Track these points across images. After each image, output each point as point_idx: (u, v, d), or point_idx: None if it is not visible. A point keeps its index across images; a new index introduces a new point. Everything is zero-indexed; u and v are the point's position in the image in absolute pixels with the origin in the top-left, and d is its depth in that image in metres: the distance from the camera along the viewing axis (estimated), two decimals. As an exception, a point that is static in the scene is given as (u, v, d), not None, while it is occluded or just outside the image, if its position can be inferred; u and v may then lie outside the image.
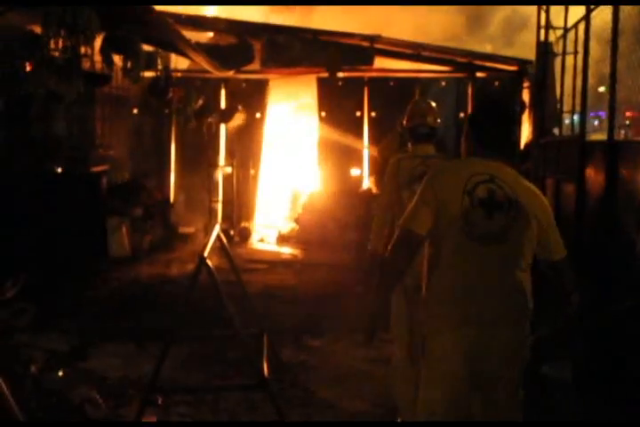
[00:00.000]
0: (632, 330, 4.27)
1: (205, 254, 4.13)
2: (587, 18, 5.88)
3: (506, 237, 2.66)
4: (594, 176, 5.68)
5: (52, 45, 5.52)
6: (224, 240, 4.99)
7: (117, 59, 6.03)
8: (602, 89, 7.03)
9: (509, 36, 16.40)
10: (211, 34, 9.68)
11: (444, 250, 2.69)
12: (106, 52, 5.64)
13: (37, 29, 5.85)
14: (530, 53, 12.90)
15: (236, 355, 5.08)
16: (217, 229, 4.78)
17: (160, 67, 6.20)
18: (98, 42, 5.76)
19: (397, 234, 2.77)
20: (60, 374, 4.64)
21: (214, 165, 9.97)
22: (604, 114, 7.39)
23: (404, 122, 4.22)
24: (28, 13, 5.84)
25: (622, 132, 7.91)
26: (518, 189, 2.72)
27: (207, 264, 4.12)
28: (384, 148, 7.66)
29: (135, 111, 9.68)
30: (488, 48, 15.81)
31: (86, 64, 6.17)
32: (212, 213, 9.61)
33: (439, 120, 4.16)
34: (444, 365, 2.71)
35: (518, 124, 8.76)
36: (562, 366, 4.76)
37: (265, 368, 4.46)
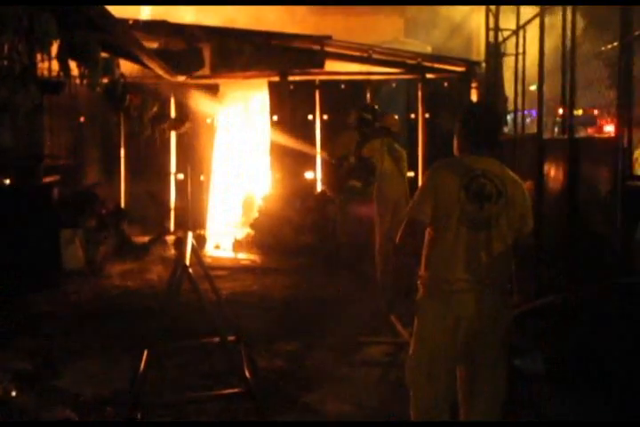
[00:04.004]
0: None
1: (187, 263, 4.08)
2: (541, 19, 6.06)
3: (494, 223, 3.08)
4: (554, 173, 5.86)
5: (6, 52, 5.30)
6: (196, 248, 4.90)
7: (73, 65, 5.84)
8: (532, 88, 7.30)
9: (445, 39, 16.73)
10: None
11: (442, 235, 3.11)
12: (63, 58, 5.45)
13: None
14: (466, 54, 13.23)
15: (212, 364, 5.02)
16: (190, 237, 4.70)
17: (117, 73, 6.05)
18: (54, 48, 5.57)
19: (405, 223, 3.21)
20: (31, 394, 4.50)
21: (166, 172, 9.80)
22: (534, 112, 7.68)
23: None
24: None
25: (556, 129, 8.24)
26: (505, 181, 3.12)
27: (189, 273, 4.07)
28: (340, 147, 7.71)
29: (82, 120, 9.42)
30: (428, 49, 16.07)
31: (40, 71, 6.00)
32: (181, 221, 9.46)
33: None
34: (434, 323, 3.12)
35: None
36: (533, 359, 4.90)
37: (246, 377, 4.43)
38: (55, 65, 5.93)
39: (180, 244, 8.75)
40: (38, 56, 5.68)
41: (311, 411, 4.38)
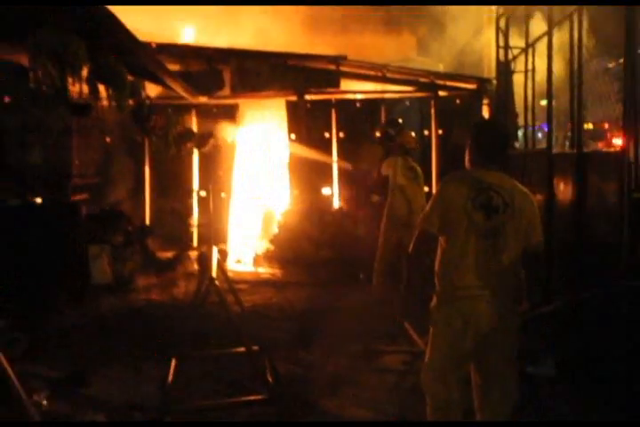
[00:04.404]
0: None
1: (214, 275, 4.32)
2: (549, 37, 6.27)
3: (501, 233, 3.25)
4: (563, 186, 6.05)
5: (39, 76, 5.59)
6: (221, 262, 5.15)
7: (101, 88, 6.15)
8: (543, 102, 7.49)
9: (457, 56, 16.91)
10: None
11: (452, 244, 3.31)
12: (92, 81, 5.76)
13: (22, 59, 5.94)
14: (477, 70, 13.42)
15: (234, 373, 5.19)
16: (215, 252, 4.94)
17: (143, 95, 6.36)
18: (84, 72, 5.86)
19: (417, 233, 3.45)
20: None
21: (189, 189, 10.12)
22: (545, 127, 7.84)
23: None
24: (12, 44, 5.93)
25: (567, 143, 8.41)
26: (513, 193, 3.31)
27: (215, 285, 4.31)
28: (364, 161, 7.92)
29: (108, 140, 9.77)
30: (440, 67, 16.28)
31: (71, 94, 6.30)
32: (203, 237, 9.74)
33: None
34: (447, 329, 3.31)
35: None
36: (545, 364, 5.05)
37: (270, 384, 4.64)
38: (84, 88, 6.23)
39: (203, 259, 9.04)
40: (69, 79, 5.98)
41: (330, 417, 4.52)
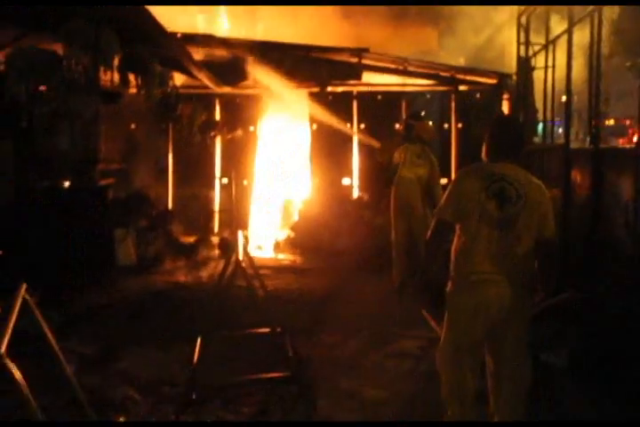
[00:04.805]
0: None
1: (241, 258, 4.53)
2: (569, 34, 6.40)
3: (514, 223, 3.37)
4: (580, 180, 6.20)
5: (73, 65, 5.80)
6: (247, 248, 5.34)
7: (131, 77, 6.35)
8: (564, 98, 7.61)
9: (478, 50, 16.96)
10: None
11: (467, 233, 3.45)
12: (123, 71, 5.96)
13: (57, 48, 6.14)
14: (499, 63, 13.50)
15: (258, 353, 5.35)
16: (241, 236, 5.13)
17: (171, 85, 6.56)
18: (115, 61, 6.06)
19: (433, 222, 3.62)
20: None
21: (212, 176, 10.36)
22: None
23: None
24: (47, 33, 6.13)
25: (587, 138, 8.51)
26: (526, 185, 3.43)
27: (243, 269, 4.52)
28: (384, 152, 8.08)
29: (133, 126, 10.00)
30: (461, 61, 16.33)
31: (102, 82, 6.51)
32: (225, 223, 9.95)
33: None
34: (459, 313, 3.47)
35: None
36: (558, 354, 5.20)
37: (292, 363, 4.85)
38: (115, 76, 6.44)
39: (225, 244, 9.28)
40: (101, 68, 6.18)
41: (349, 396, 4.67)
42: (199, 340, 5.23)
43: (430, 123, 8.47)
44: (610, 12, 5.76)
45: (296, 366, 4.89)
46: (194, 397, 4.57)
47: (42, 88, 6.23)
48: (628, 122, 11.43)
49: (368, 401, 4.65)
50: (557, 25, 7.36)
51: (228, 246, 9.45)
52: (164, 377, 4.98)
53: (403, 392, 4.77)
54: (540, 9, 7.89)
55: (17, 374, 2.32)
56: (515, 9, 8.60)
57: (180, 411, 4.37)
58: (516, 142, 3.62)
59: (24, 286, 3.11)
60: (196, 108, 7.91)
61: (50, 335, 3.44)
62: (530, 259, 3.45)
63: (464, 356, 3.50)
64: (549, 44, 7.70)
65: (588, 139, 6.33)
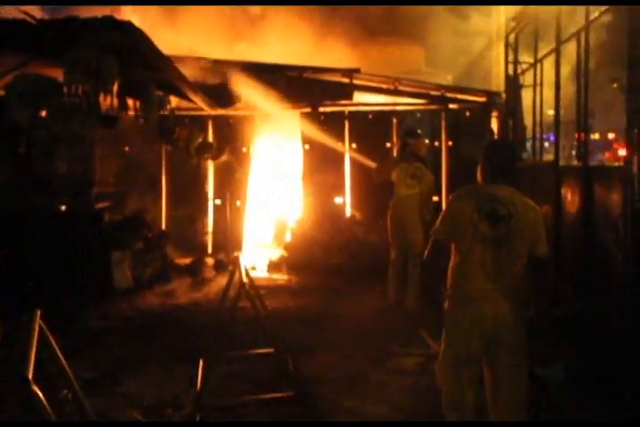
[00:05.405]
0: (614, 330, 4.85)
1: (245, 280, 4.63)
2: (557, 54, 6.56)
3: (507, 242, 3.53)
4: (570, 198, 6.33)
5: (73, 90, 5.89)
6: (247, 269, 5.42)
7: (129, 101, 6.45)
8: (551, 112, 7.76)
9: (466, 69, 17.20)
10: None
11: (462, 252, 3.61)
12: (122, 95, 6.06)
13: (57, 74, 6.23)
14: (486, 81, 13.73)
15: (260, 373, 5.42)
16: (241, 258, 5.23)
17: (168, 108, 6.68)
18: (114, 86, 6.14)
19: (430, 242, 3.81)
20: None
21: (205, 198, 10.45)
22: (552, 137, 8.10)
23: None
24: (51, 60, 6.23)
25: (573, 152, 8.66)
26: (517, 205, 3.59)
27: (247, 290, 4.61)
28: (382, 171, 8.21)
29: (127, 149, 10.10)
30: (449, 79, 16.55)
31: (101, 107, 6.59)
32: (219, 244, 10.03)
33: None
34: (456, 329, 3.60)
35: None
36: (554, 367, 5.29)
37: (295, 383, 4.91)
38: (114, 101, 6.53)
39: (220, 265, 9.36)
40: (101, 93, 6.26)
41: (352, 414, 4.73)
42: (201, 362, 5.31)
43: (426, 140, 8.61)
44: (599, 25, 5.86)
45: (299, 386, 4.96)
46: (197, 419, 4.63)
47: (42, 113, 6.31)
48: (611, 135, 11.64)
49: (372, 418, 4.72)
50: (545, 43, 7.52)
51: (224, 267, 9.54)
52: (168, 399, 5.00)
53: (404, 408, 4.84)
54: (528, 28, 8.08)
55: (43, 401, 2.37)
56: (502, 29, 8.78)
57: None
58: (509, 165, 3.79)
59: (38, 313, 3.16)
60: (192, 131, 8.03)
61: (62, 359, 3.49)
62: (523, 276, 3.60)
63: (462, 370, 3.62)
64: (537, 63, 7.88)
65: (574, 153, 6.41)
